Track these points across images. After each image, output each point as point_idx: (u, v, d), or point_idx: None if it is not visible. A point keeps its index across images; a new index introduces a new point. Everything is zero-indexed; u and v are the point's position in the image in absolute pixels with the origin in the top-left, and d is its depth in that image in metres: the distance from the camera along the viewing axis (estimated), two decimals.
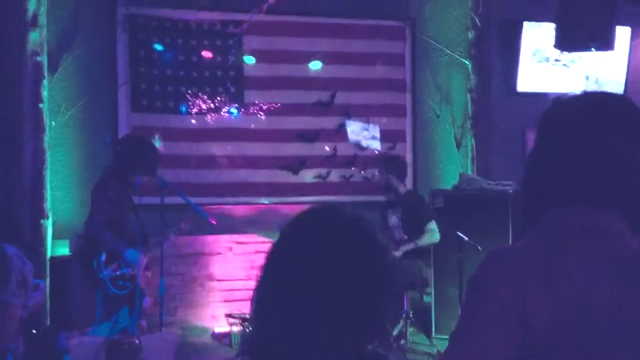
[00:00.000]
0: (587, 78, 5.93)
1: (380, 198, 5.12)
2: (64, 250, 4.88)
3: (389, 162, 5.06)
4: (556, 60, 5.82)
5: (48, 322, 4.61)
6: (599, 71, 5.94)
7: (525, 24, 5.73)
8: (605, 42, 4.68)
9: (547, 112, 1.18)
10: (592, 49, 4.76)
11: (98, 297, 3.68)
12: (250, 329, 1.17)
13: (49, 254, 4.80)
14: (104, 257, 3.79)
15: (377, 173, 5.19)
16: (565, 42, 4.74)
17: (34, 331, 3.25)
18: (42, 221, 4.77)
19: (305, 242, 1.12)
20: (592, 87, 5.85)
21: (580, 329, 1.03)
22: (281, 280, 1.12)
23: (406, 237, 4.82)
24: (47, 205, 4.83)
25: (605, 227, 1.09)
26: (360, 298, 1.09)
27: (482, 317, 1.06)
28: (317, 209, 1.19)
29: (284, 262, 1.13)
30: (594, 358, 1.04)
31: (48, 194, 4.85)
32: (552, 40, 4.85)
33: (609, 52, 4.97)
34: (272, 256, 1.15)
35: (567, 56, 5.73)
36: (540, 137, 1.18)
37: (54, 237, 4.87)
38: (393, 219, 4.90)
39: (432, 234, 4.78)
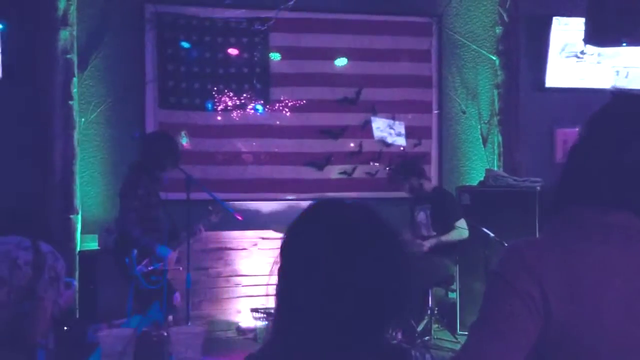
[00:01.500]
0: (617, 73, 5.82)
1: (405, 195, 5.10)
2: (92, 244, 4.97)
3: (404, 167, 5.02)
4: (585, 54, 5.72)
5: (77, 316, 4.70)
6: (629, 66, 5.83)
7: (555, 19, 5.65)
8: (636, 37, 4.58)
9: (605, 108, 1.17)
10: (624, 44, 4.67)
11: (130, 292, 3.74)
12: (272, 324, 1.18)
13: (78, 248, 4.90)
14: (135, 254, 3.85)
15: (394, 178, 5.12)
16: (596, 37, 4.66)
17: (65, 328, 3.32)
18: (71, 216, 4.87)
19: (314, 235, 1.12)
20: (622, 83, 5.75)
21: (595, 321, 1.04)
22: (294, 274, 1.12)
23: (435, 233, 4.80)
24: (77, 200, 4.92)
25: (625, 223, 1.09)
26: (379, 286, 1.09)
27: (502, 307, 1.07)
28: (322, 203, 1.18)
29: (300, 256, 1.13)
30: (606, 351, 1.04)
31: (78, 189, 4.94)
32: (582, 35, 4.76)
33: None
34: (288, 252, 1.16)
35: (597, 51, 5.63)
36: (590, 132, 1.16)
37: (83, 232, 4.96)
38: (421, 215, 4.88)
39: (461, 231, 4.75)
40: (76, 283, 3.40)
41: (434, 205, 4.83)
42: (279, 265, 1.15)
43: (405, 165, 5.06)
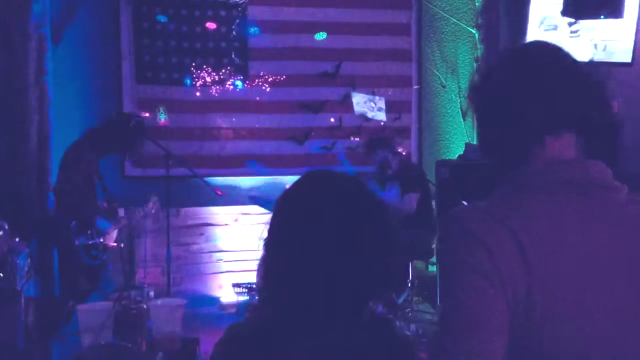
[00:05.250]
0: (596, 46, 5.85)
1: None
2: None
3: (380, 142, 5.00)
4: (567, 27, 5.73)
5: (57, 293, 4.67)
6: (607, 39, 5.85)
7: None
8: (614, 10, 4.61)
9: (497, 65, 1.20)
10: (602, 16, 4.69)
11: (75, 269, 3.68)
12: (257, 297, 1.18)
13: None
14: (75, 225, 3.76)
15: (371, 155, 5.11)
16: (574, 9, 4.67)
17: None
18: (48, 193, 4.80)
19: (307, 206, 1.12)
20: (600, 56, 5.77)
21: (552, 288, 0.98)
22: (285, 246, 1.12)
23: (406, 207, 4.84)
24: (53, 177, 4.85)
25: (575, 177, 1.05)
26: (365, 256, 1.10)
27: (465, 288, 0.98)
28: (314, 174, 1.19)
29: (287, 228, 1.13)
30: (562, 320, 0.99)
31: (53, 166, 4.87)
32: (560, 8, 4.77)
33: (618, 20, 4.90)
34: (275, 223, 1.15)
35: (574, 24, 5.64)
36: (496, 87, 1.16)
37: None
38: (392, 191, 4.91)
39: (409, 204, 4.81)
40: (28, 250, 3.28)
41: (402, 180, 4.86)
42: (267, 238, 1.15)
43: (373, 141, 5.06)
